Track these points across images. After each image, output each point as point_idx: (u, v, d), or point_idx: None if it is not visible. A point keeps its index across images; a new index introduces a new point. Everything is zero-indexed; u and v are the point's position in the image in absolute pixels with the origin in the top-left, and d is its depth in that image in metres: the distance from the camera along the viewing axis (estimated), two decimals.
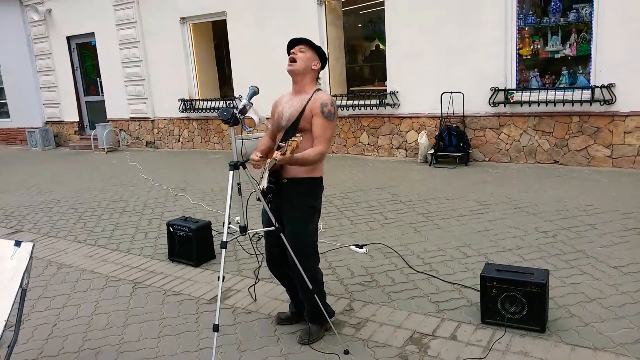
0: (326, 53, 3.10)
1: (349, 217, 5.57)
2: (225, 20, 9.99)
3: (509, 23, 7.33)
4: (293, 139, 2.63)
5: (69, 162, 10.88)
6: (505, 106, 7.45)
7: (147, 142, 11.77)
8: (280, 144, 2.72)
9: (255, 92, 2.91)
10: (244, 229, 2.90)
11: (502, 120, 7.57)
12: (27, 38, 13.08)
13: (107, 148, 11.58)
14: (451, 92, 7.75)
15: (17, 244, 2.68)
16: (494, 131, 7.66)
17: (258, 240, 4.93)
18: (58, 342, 3.43)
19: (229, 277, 4.22)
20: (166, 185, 7.72)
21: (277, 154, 2.63)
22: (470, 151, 7.74)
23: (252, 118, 2.82)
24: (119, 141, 12.02)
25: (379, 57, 13.32)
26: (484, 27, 7.42)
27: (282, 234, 2.93)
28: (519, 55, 7.47)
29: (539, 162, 7.38)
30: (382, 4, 8.37)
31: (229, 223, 2.89)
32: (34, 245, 2.66)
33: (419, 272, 4.05)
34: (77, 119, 12.93)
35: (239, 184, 2.83)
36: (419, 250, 4.50)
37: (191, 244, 4.52)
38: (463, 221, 5.18)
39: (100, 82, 12.21)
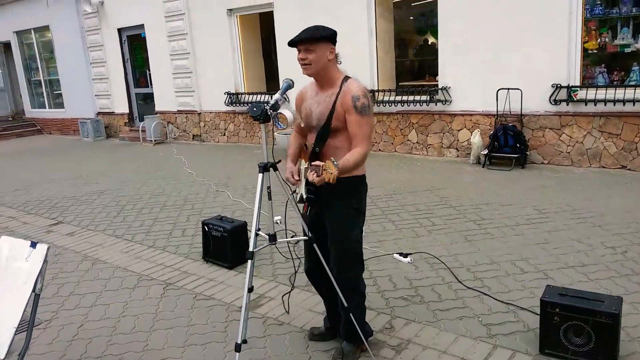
0: (336, 31, 2.69)
1: (393, 221, 5.23)
2: (272, 11, 9.78)
3: (573, 14, 6.75)
4: (328, 167, 2.27)
5: (117, 153, 10.99)
6: (567, 105, 6.88)
7: (193, 135, 11.75)
8: (313, 163, 2.38)
9: (289, 85, 2.63)
10: (273, 238, 2.64)
11: (564, 120, 7.00)
12: (81, 30, 13.32)
13: (155, 140, 11.63)
14: (508, 89, 7.23)
15: (33, 245, 2.52)
16: (555, 132, 7.10)
17: (296, 244, 4.67)
18: (82, 345, 3.29)
19: (263, 283, 3.98)
20: (208, 180, 7.59)
21: (312, 176, 2.34)
22: (528, 153, 7.20)
23: (285, 115, 2.54)
24: (166, 133, 12.07)
25: (430, 51, 12.84)
26: (546, 18, 6.86)
27: (315, 245, 2.65)
28: (584, 50, 6.88)
29: (604, 167, 6.78)
30: None
31: (258, 230, 2.64)
32: (49, 248, 2.49)
33: (469, 288, 3.68)
34: (127, 111, 13.08)
35: (269, 187, 2.57)
36: (470, 262, 4.12)
37: (226, 244, 4.32)
38: (519, 231, 4.74)
39: (150, 74, 12.28)
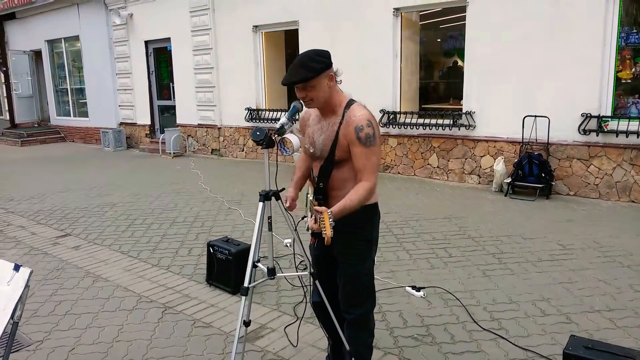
0: (331, 55, 2.42)
1: (408, 250, 4.99)
2: (297, 29, 9.70)
3: (607, 42, 6.48)
4: (324, 226, 2.07)
5: (135, 164, 10.97)
6: (597, 135, 6.58)
7: (212, 150, 11.70)
8: (315, 208, 2.18)
9: (297, 109, 2.46)
10: (272, 272, 2.45)
11: (593, 150, 6.69)
12: (109, 41, 13.47)
13: (174, 153, 11.60)
14: (535, 116, 6.97)
15: (16, 268, 2.37)
16: (583, 162, 6.79)
17: (304, 270, 4.48)
18: None
19: (265, 312, 3.78)
20: (222, 197, 7.46)
21: (311, 223, 2.16)
22: (553, 183, 6.90)
23: (291, 140, 2.37)
24: (186, 147, 12.04)
25: (457, 74, 12.62)
26: (578, 45, 6.61)
27: (317, 282, 2.45)
28: (617, 79, 6.59)
29: (634, 202, 6.44)
30: (464, 18, 7.74)
31: (257, 261, 2.45)
32: (31, 272, 2.33)
33: (484, 329, 3.42)
34: (149, 122, 13.13)
35: (270, 217, 2.39)
36: (487, 300, 3.86)
37: (230, 268, 4.14)
38: (542, 268, 4.46)
39: (173, 87, 12.31)
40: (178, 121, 12.33)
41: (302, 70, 2.30)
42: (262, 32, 10.44)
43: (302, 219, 2.73)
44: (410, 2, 8.14)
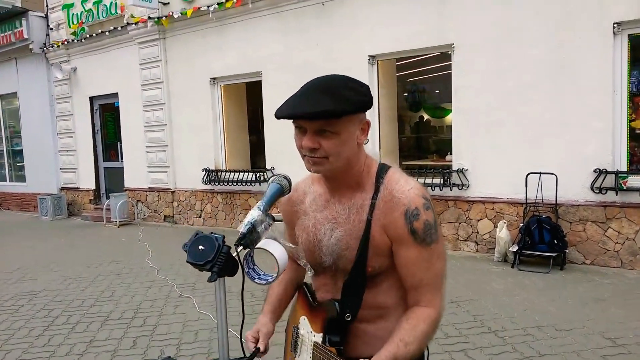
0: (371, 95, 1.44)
1: None
2: (260, 81, 8.70)
3: (617, 88, 5.69)
4: None
5: (73, 237, 9.46)
6: (617, 194, 5.66)
7: (165, 216, 10.32)
8: None
9: (281, 190, 1.28)
10: None
11: (610, 211, 5.76)
12: (50, 98, 12.17)
13: (120, 221, 10.14)
14: (540, 173, 6.03)
15: None
16: (599, 225, 5.83)
17: None
18: None
19: None
20: (172, 279, 6.11)
21: None
22: (567, 250, 5.89)
23: (272, 254, 1.19)
24: (134, 213, 10.61)
25: (428, 129, 11.90)
26: (585, 92, 5.79)
27: None
28: (630, 129, 5.77)
29: None
30: (449, 67, 6.88)
31: None
32: None
33: None
34: (94, 187, 11.68)
35: None
36: None
37: None
38: None
39: (121, 147, 11.01)
40: (126, 184, 10.95)
41: (327, 98, 1.28)
42: (220, 84, 9.39)
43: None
44: (387, 49, 7.27)
